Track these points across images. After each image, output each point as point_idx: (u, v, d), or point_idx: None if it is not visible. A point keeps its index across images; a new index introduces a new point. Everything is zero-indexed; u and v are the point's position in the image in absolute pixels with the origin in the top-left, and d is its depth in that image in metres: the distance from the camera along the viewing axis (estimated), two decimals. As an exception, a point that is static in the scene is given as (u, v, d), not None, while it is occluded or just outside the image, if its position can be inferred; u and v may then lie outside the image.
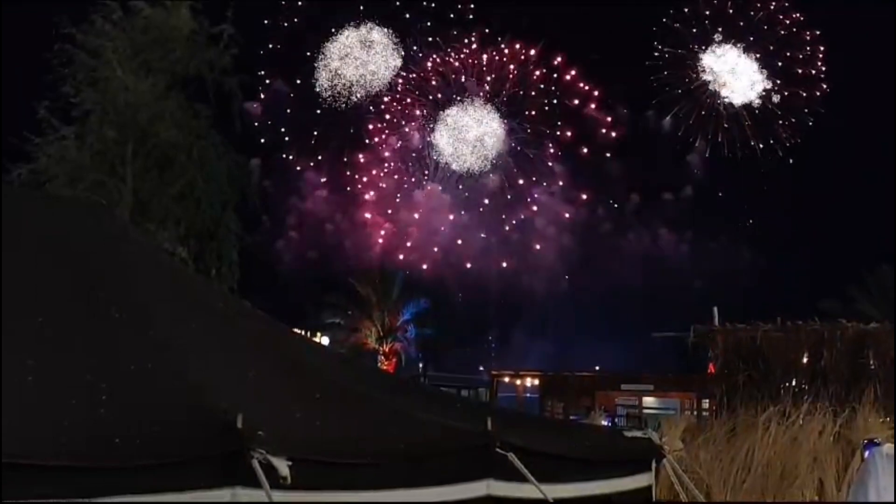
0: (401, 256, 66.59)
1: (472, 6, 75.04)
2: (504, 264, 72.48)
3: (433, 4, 75.73)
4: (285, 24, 75.04)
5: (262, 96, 72.00)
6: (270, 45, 73.11)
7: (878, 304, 37.67)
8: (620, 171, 72.71)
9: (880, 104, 61.09)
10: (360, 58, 74.50)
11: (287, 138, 73.50)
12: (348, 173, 73.96)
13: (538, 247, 73.21)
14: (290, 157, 72.09)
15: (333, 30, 74.78)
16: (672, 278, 68.47)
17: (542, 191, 74.73)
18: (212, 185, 21.32)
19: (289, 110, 74.55)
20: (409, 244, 69.77)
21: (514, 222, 74.31)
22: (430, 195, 73.81)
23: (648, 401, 40.17)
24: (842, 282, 45.08)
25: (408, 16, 75.91)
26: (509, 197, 74.50)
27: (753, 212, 71.74)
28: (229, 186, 21.82)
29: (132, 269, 5.62)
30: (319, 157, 73.89)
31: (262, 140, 66.99)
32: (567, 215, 73.64)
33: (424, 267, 67.81)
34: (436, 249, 69.98)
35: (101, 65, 20.33)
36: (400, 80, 75.32)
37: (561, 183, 74.39)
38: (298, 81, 74.53)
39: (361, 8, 75.17)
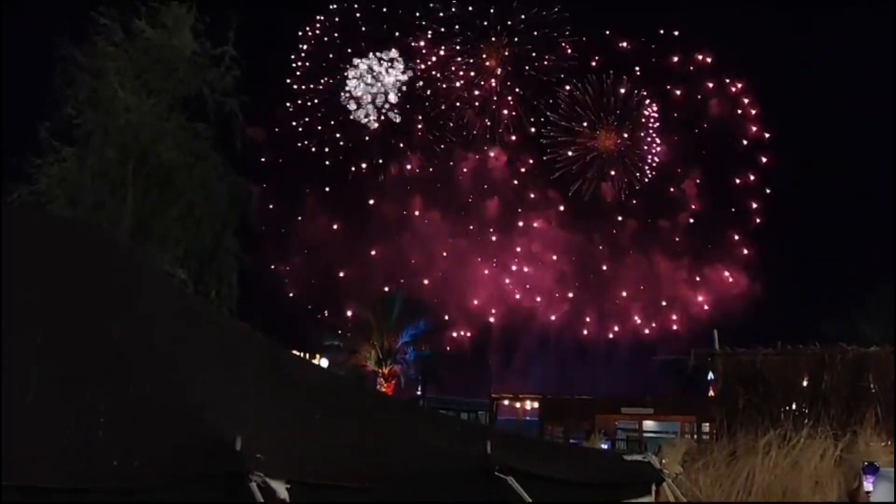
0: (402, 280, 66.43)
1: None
2: (503, 289, 72.58)
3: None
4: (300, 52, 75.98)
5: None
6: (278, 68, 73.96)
7: (878, 326, 37.55)
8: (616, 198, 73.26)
9: (881, 123, 61.31)
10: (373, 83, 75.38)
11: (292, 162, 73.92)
12: (353, 197, 74.32)
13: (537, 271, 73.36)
14: (295, 182, 72.35)
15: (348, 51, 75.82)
16: (671, 301, 68.55)
17: (540, 217, 75.03)
18: (212, 206, 21.32)
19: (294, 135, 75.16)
20: (409, 268, 69.75)
21: (513, 247, 74.51)
22: (430, 220, 74.02)
23: (648, 424, 40.00)
24: (842, 303, 45.06)
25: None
26: (505, 221, 74.79)
27: (751, 234, 71.92)
28: (230, 208, 21.82)
29: (132, 291, 5.61)
30: (324, 181, 74.37)
31: (265, 162, 67.16)
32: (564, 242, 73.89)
33: (425, 283, 67.67)
34: (437, 274, 70.03)
35: (102, 85, 20.38)
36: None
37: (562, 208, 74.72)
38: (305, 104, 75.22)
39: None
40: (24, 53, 36.00)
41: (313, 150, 74.75)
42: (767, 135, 73.45)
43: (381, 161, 75.30)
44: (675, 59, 74.51)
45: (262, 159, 59.63)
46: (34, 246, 5.49)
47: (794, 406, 14.28)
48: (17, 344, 4.34)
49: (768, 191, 71.91)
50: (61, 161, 20.43)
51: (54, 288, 5.12)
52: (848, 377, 14.35)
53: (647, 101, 76.11)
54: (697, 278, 70.88)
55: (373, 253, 71.44)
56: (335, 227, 72.76)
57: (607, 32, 73.49)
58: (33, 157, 20.27)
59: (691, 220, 73.34)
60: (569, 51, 75.23)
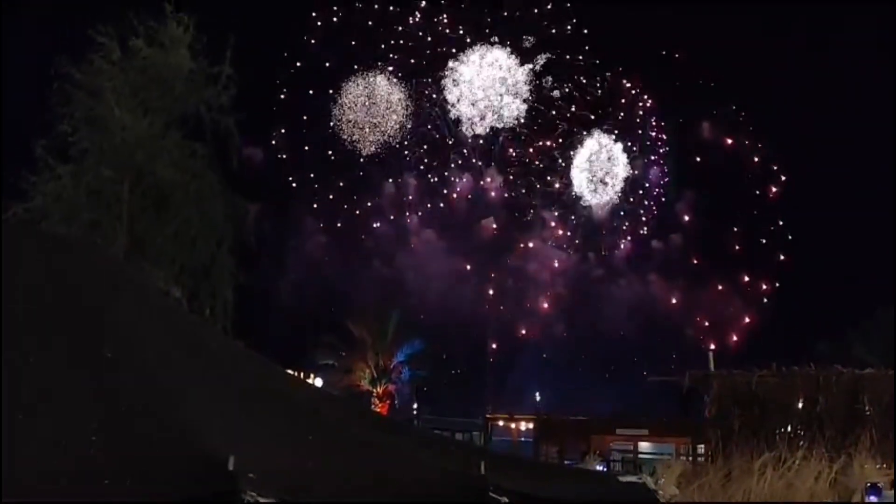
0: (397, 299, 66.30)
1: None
2: (499, 308, 72.64)
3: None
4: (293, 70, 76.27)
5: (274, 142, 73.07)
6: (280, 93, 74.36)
7: (874, 349, 37.58)
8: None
9: (876, 147, 61.55)
10: (371, 107, 75.67)
11: (290, 182, 74.14)
12: (349, 217, 74.54)
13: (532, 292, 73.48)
14: (291, 201, 72.50)
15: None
16: (667, 323, 68.61)
17: (535, 238, 75.21)
18: (208, 223, 21.25)
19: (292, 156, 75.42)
20: (405, 287, 69.69)
21: (508, 268, 74.63)
22: (426, 240, 74.17)
23: (644, 445, 39.92)
24: (838, 326, 45.08)
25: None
26: (502, 242, 74.97)
27: (747, 256, 72.02)
28: (225, 225, 21.75)
29: (126, 309, 5.59)
30: (321, 201, 74.59)
31: (261, 181, 67.13)
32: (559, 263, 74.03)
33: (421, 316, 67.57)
34: (431, 292, 69.96)
35: (99, 103, 20.34)
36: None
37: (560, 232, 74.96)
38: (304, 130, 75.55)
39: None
40: (21, 70, 36.05)
41: (307, 179, 75.04)
42: (775, 167, 73.55)
43: (377, 190, 75.69)
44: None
45: (258, 179, 59.59)
46: (29, 263, 5.48)
47: (789, 428, 14.26)
48: (10, 363, 4.32)
49: (773, 228, 72.05)
50: (57, 178, 20.36)
51: (49, 305, 5.11)
52: (843, 399, 14.35)
53: (653, 122, 76.39)
54: (695, 308, 70.89)
55: (369, 272, 71.44)
56: (331, 246, 72.90)
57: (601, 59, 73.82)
58: (29, 174, 20.22)
59: (689, 243, 73.54)
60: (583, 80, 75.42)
